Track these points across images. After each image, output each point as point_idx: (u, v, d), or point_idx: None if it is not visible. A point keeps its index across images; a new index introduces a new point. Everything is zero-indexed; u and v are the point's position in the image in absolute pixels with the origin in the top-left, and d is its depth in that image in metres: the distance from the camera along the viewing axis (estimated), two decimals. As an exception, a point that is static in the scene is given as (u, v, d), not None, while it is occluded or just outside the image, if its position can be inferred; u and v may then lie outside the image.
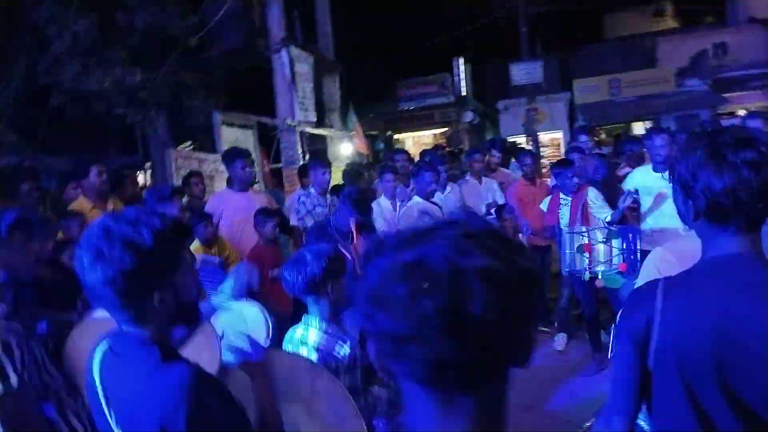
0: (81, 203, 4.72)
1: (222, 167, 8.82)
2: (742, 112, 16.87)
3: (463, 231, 0.76)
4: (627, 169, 6.65)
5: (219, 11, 8.72)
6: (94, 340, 2.63)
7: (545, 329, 5.92)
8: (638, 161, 6.70)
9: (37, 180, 5.14)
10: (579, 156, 5.72)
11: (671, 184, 1.45)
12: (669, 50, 19.95)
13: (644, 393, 1.40)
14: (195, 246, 4.57)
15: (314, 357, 2.35)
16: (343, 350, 2.37)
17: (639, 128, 19.75)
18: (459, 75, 18.66)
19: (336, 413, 1.81)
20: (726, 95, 17.59)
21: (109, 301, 1.35)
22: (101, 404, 1.39)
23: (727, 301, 1.27)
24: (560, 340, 5.61)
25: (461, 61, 18.85)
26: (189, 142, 10.68)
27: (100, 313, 2.77)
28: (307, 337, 2.44)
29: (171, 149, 8.24)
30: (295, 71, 8.79)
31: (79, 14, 6.40)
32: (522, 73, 16.92)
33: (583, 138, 6.44)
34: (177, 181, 7.57)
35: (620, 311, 1.50)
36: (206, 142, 10.60)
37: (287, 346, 2.51)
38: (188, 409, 1.24)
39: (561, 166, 5.32)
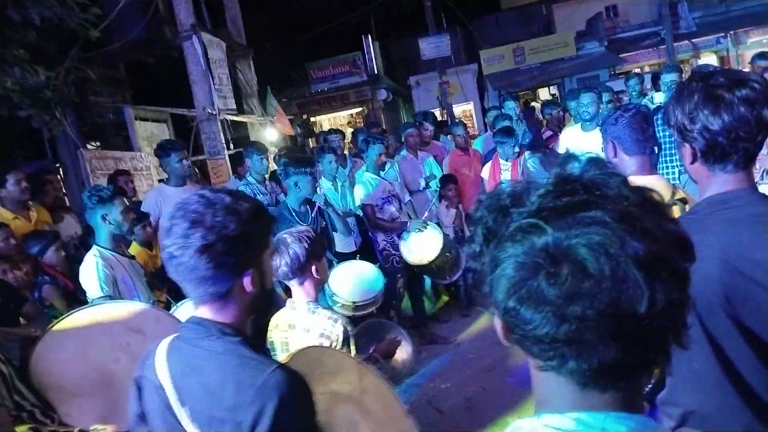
0: (1, 214, 4.39)
1: (141, 164, 8.43)
2: (636, 70, 17.95)
3: (611, 206, 0.66)
4: (548, 132, 6.93)
5: (120, 1, 8.21)
6: (64, 352, 2.47)
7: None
8: (558, 123, 7.00)
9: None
10: (510, 123, 5.87)
11: (666, 131, 1.49)
12: (565, 16, 20.81)
13: None
14: (134, 249, 4.34)
15: (307, 339, 2.34)
16: (336, 329, 2.35)
17: (544, 93, 20.59)
18: (370, 53, 18.61)
19: (386, 410, 1.78)
20: (622, 55, 18.64)
21: (199, 274, 1.28)
22: (166, 404, 1.32)
23: (731, 235, 1.32)
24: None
25: (370, 38, 18.79)
26: (97, 142, 10.09)
27: (63, 324, 2.59)
28: (295, 320, 2.42)
29: (82, 150, 7.72)
30: (209, 58, 8.42)
31: (-35, 11, 5.83)
32: (431, 47, 17.06)
33: (511, 105, 6.62)
34: (93, 183, 7.13)
35: None
36: (117, 139, 10.04)
37: (274, 332, 2.48)
38: (279, 410, 1.21)
39: (504, 134, 5.43)
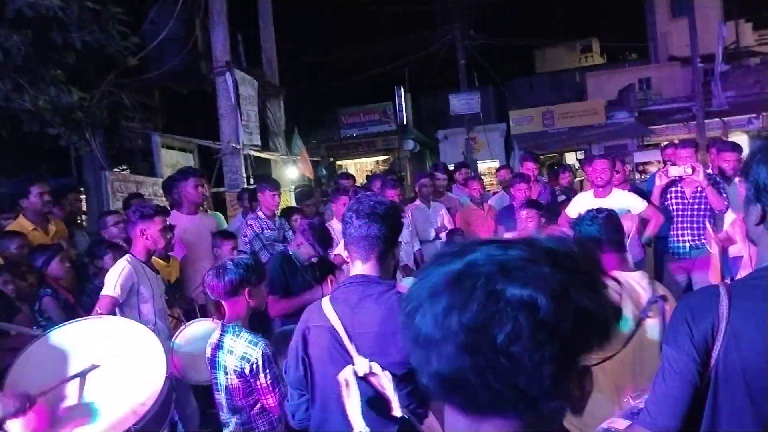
0: (21, 224, 4.45)
1: (161, 191, 8.59)
2: (665, 143, 17.91)
3: (526, 253, 0.71)
4: (562, 197, 6.90)
5: (160, 33, 8.56)
6: (43, 365, 2.47)
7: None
8: (572, 189, 6.97)
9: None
10: (526, 186, 5.79)
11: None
12: (598, 84, 21.04)
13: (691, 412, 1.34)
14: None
15: (231, 361, 2.54)
16: (255, 352, 2.50)
17: (571, 157, 20.62)
18: (400, 104, 18.98)
19: None
20: (651, 127, 18.66)
21: (373, 249, 1.94)
22: (338, 341, 1.88)
23: None
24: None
25: (402, 90, 19.18)
26: (124, 165, 10.33)
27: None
28: (223, 340, 2.61)
29: (107, 171, 7.90)
30: (239, 94, 8.66)
31: (11, 30, 6.09)
32: (460, 103, 17.35)
33: (529, 165, 6.61)
34: (113, 205, 7.27)
35: (669, 326, 1.42)
36: (143, 164, 10.28)
37: (207, 349, 2.70)
38: None
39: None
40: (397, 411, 1.76)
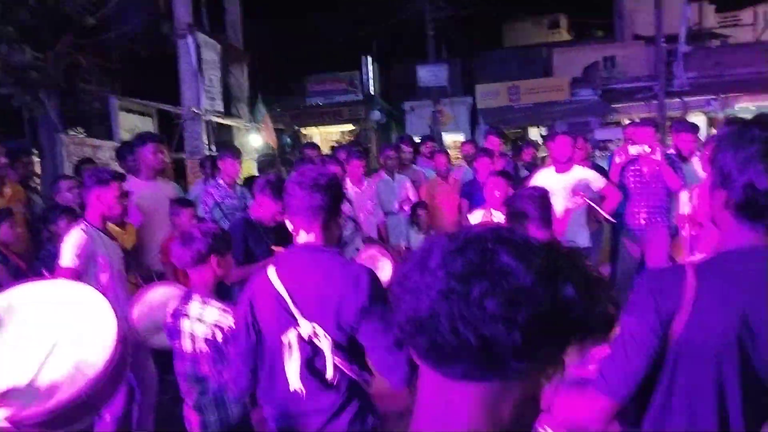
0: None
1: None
2: (626, 121, 18.25)
3: (532, 240, 0.76)
4: (525, 172, 6.99)
5: (120, -10, 8.22)
6: None
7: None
8: (534, 164, 7.06)
9: None
10: (489, 161, 5.82)
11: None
12: (564, 61, 21.18)
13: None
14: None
15: (198, 328, 2.51)
16: (228, 320, 2.49)
17: (535, 133, 20.83)
18: (367, 74, 18.77)
19: None
20: (614, 105, 18.94)
21: (317, 218, 2.04)
22: (283, 312, 1.97)
23: (751, 292, 1.32)
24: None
25: (370, 60, 18.96)
26: (81, 128, 9.99)
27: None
28: (188, 308, 2.57)
29: (62, 135, 7.63)
30: (201, 58, 8.42)
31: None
32: (428, 75, 17.27)
33: (494, 140, 6.66)
34: (68, 169, 7.05)
35: (632, 298, 1.46)
36: (100, 128, 9.96)
37: (170, 318, 2.65)
38: (372, 288, 1.91)
39: None
40: (330, 372, 1.91)
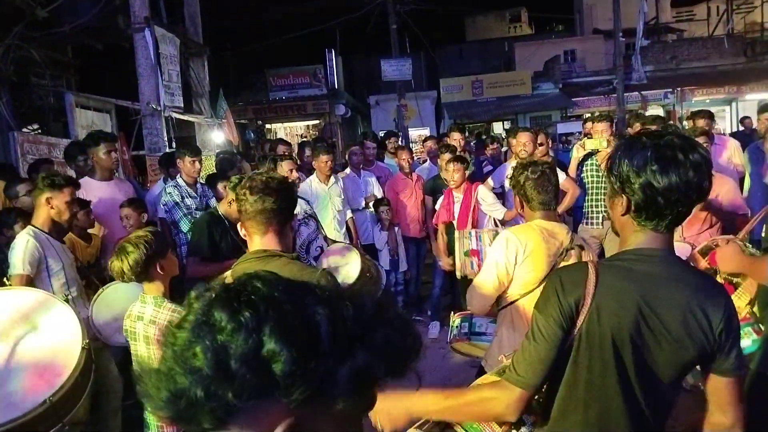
0: None
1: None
2: (587, 115, 18.59)
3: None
4: (489, 167, 7.06)
5: (72, -18, 7.99)
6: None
7: (419, 318, 6.10)
8: (498, 159, 7.13)
9: None
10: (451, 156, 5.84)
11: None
12: (525, 55, 21.44)
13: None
14: (70, 240, 4.14)
15: (152, 330, 2.51)
16: None
17: (498, 127, 21.06)
18: (331, 67, 18.64)
19: None
20: (574, 99, 19.27)
21: (271, 223, 2.04)
22: None
23: (649, 289, 1.42)
24: (434, 329, 5.80)
25: (333, 53, 18.83)
26: (35, 125, 9.68)
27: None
28: (144, 312, 2.57)
29: (15, 132, 7.38)
30: (160, 52, 8.23)
31: None
32: (392, 69, 17.22)
33: (455, 135, 6.70)
34: (22, 169, 6.82)
35: (540, 293, 1.56)
36: (56, 125, 9.65)
37: (126, 320, 2.66)
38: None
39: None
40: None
